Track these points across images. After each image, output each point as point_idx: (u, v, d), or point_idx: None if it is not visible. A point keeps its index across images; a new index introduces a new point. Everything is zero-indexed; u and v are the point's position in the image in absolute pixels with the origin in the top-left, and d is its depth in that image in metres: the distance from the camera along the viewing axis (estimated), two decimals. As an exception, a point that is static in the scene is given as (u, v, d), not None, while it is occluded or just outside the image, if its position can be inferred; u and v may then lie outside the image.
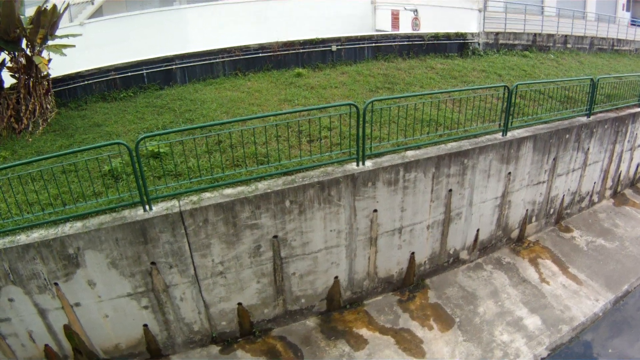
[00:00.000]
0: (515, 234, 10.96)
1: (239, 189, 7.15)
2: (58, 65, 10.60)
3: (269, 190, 7.09)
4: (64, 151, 7.69)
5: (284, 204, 7.27)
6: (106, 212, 6.79)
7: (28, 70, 10.25)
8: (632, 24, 25.92)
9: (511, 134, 9.53)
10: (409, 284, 9.56)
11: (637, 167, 14.07)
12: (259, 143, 8.25)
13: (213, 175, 7.29)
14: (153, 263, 6.95)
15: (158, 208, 6.81)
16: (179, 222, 6.78)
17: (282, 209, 7.30)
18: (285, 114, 8.42)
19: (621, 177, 13.39)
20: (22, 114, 10.12)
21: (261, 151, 8.04)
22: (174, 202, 6.91)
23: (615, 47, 20.62)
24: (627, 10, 31.87)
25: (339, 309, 8.87)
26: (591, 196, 12.59)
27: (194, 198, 6.95)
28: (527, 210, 10.79)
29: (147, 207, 6.77)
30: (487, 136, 9.32)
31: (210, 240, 7.08)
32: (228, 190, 7.11)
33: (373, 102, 7.65)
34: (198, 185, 7.16)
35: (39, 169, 7.43)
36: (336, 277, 8.49)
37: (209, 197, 6.96)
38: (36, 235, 6.43)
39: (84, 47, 11.70)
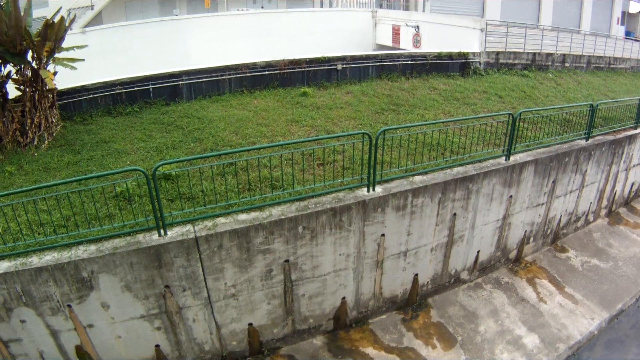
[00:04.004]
0: (513, 254, 11.22)
1: (254, 214, 7.27)
2: (61, 77, 10.55)
3: (283, 217, 7.23)
4: (79, 177, 7.79)
5: (296, 230, 7.42)
6: (120, 236, 6.85)
7: (34, 83, 10.21)
8: (626, 38, 26.48)
9: (514, 159, 9.77)
10: (412, 303, 9.75)
11: (632, 186, 14.45)
12: (271, 166, 8.37)
13: (228, 202, 7.40)
14: (167, 286, 7.04)
15: (173, 233, 6.90)
16: (194, 247, 6.88)
17: (295, 235, 7.45)
18: (299, 142, 8.57)
19: (616, 197, 13.75)
20: (27, 128, 10.06)
21: (274, 175, 8.17)
22: (189, 227, 7.01)
23: (611, 65, 21.03)
24: (622, 24, 32.61)
25: (345, 328, 9.04)
26: (587, 216, 12.91)
27: (209, 224, 7.06)
28: (525, 231, 11.06)
29: (162, 232, 6.86)
30: (491, 161, 9.55)
31: (223, 265, 7.20)
32: (242, 216, 7.23)
33: (384, 132, 7.81)
34: (212, 211, 7.26)
35: (55, 193, 7.43)
36: (343, 298, 8.66)
37: (224, 223, 7.07)
38: (49, 257, 6.47)
39: (86, 56, 11.60)
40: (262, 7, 24.16)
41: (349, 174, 8.40)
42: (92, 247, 6.63)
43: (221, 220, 7.13)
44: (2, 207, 6.94)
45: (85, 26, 19.44)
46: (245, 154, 8.63)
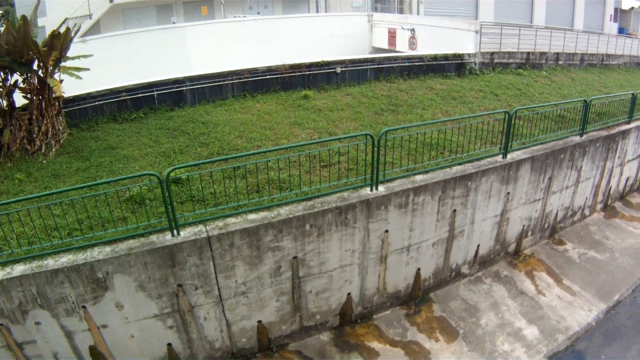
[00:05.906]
0: (512, 248, 11.52)
1: (262, 214, 7.55)
2: (64, 85, 10.72)
3: (291, 216, 7.51)
4: (93, 182, 8.00)
5: (304, 228, 7.70)
6: (135, 237, 7.09)
7: (40, 91, 10.43)
8: (619, 35, 26.88)
9: (510, 156, 10.08)
10: (415, 297, 10.02)
11: (627, 180, 14.78)
12: (278, 169, 8.66)
13: (238, 203, 7.67)
14: (179, 285, 7.28)
15: (186, 233, 7.15)
16: (206, 246, 7.14)
17: (303, 232, 7.73)
18: (304, 145, 8.83)
19: (611, 191, 14.08)
20: (34, 135, 10.24)
21: (281, 177, 8.45)
22: (201, 227, 7.27)
23: (604, 62, 21.45)
24: (615, 20, 33.12)
25: (350, 324, 9.30)
26: (583, 210, 13.23)
27: (220, 223, 7.32)
28: (523, 225, 11.36)
29: (175, 232, 7.11)
30: (489, 159, 9.85)
31: (234, 263, 7.46)
32: (252, 216, 7.50)
33: (386, 133, 8.10)
34: (223, 212, 7.52)
35: (69, 199, 7.63)
36: (349, 294, 8.93)
37: (235, 223, 7.33)
38: (65, 259, 6.67)
39: (88, 65, 11.81)
40: (258, 13, 24.44)
41: (352, 175, 8.69)
42: (107, 249, 6.85)
43: (232, 220, 7.40)
44: (17, 211, 7.15)
45: (84, 35, 19.68)
46: (252, 157, 8.89)
